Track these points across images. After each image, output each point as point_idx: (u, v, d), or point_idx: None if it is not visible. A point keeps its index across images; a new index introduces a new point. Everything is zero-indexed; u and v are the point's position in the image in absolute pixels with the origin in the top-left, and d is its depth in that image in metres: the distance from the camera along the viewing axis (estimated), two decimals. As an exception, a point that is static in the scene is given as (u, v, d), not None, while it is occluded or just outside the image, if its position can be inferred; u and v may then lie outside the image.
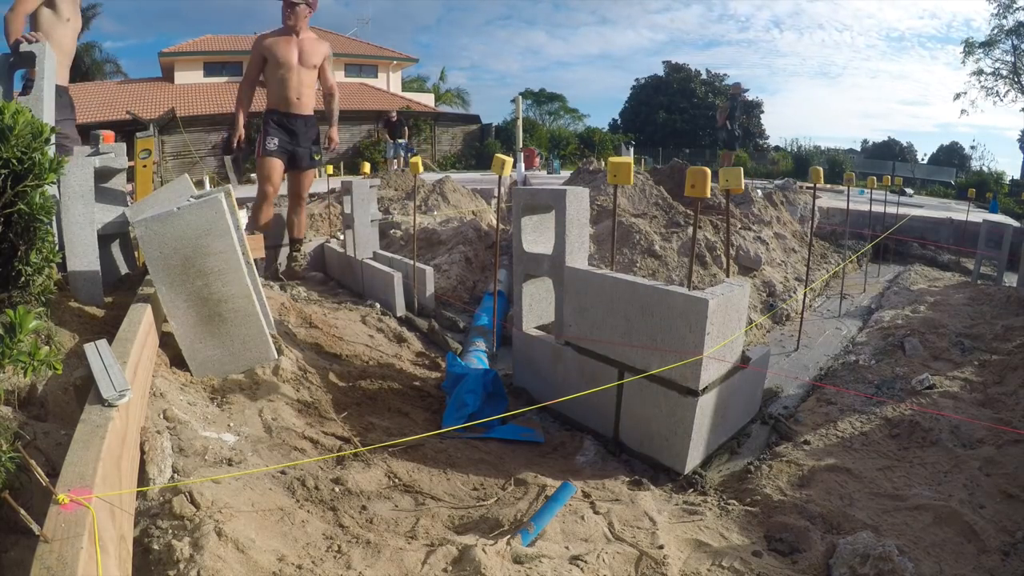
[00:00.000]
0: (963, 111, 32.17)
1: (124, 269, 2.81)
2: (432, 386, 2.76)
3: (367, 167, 6.45)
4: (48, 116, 2.37)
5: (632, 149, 19.56)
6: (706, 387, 2.04)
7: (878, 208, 7.39)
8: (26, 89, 2.65)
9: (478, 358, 3.04)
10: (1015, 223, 7.66)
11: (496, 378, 2.58)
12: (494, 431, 2.35)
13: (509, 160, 3.12)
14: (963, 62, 25.48)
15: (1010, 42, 23.87)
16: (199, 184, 12.07)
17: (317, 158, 4.47)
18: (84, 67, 24.50)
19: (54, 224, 2.08)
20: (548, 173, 18.11)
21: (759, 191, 7.61)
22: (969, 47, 25.06)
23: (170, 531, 1.19)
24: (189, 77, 21.33)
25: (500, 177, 3.20)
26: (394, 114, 16.62)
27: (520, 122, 14.47)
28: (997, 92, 24.91)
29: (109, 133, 3.50)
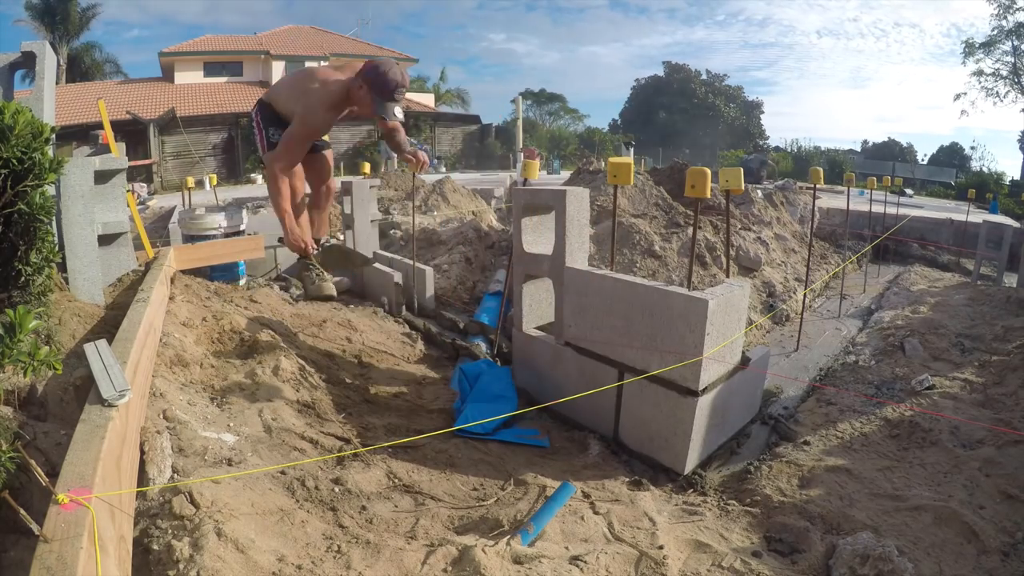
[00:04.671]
0: (963, 112, 32.20)
1: (124, 269, 2.81)
2: (432, 386, 2.76)
3: (367, 167, 6.45)
4: (48, 116, 2.37)
5: (632, 149, 19.59)
6: (706, 387, 2.04)
7: (878, 209, 7.40)
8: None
9: (485, 360, 3.05)
10: (1015, 224, 7.66)
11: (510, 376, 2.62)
12: (499, 433, 2.35)
13: (536, 163, 3.22)
14: (963, 63, 25.52)
15: (1010, 43, 23.89)
16: (199, 184, 12.04)
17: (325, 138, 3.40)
18: (84, 67, 24.50)
19: (54, 224, 2.08)
20: (548, 173, 18.13)
21: (759, 192, 7.61)
22: (969, 48, 25.07)
23: (170, 531, 1.19)
24: (189, 77, 21.32)
25: (526, 180, 3.28)
26: None
27: (520, 122, 14.50)
28: (997, 93, 24.94)
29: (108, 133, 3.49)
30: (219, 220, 3.92)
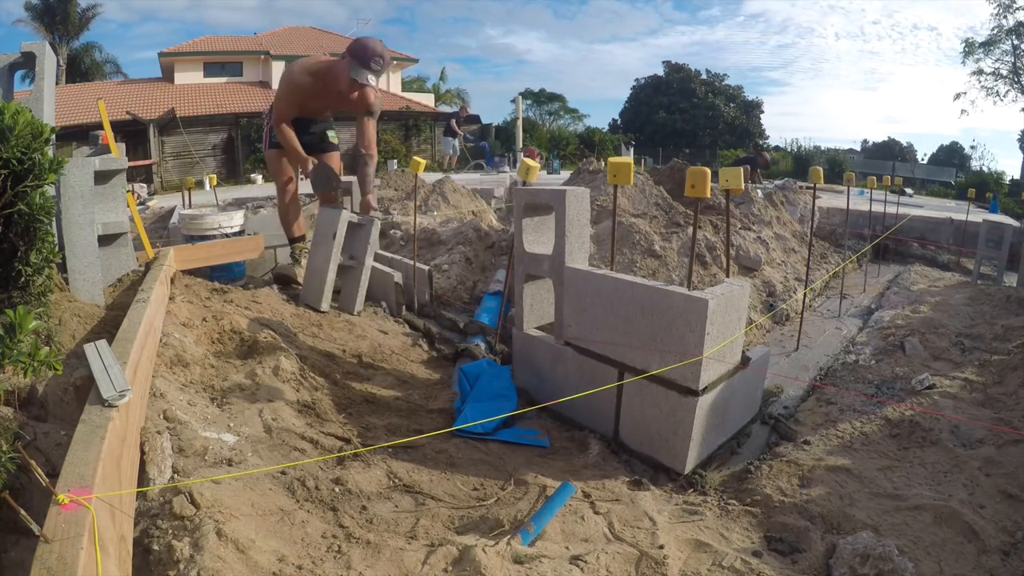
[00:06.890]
0: (963, 111, 32.22)
1: (124, 269, 2.81)
2: (432, 386, 2.76)
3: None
4: (48, 116, 2.37)
5: (632, 149, 19.60)
6: (706, 387, 2.04)
7: (878, 208, 7.40)
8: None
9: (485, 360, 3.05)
10: (1015, 223, 7.66)
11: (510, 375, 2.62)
12: (499, 433, 2.35)
13: (536, 165, 3.09)
14: (963, 62, 25.52)
15: (1010, 42, 23.88)
16: (199, 184, 12.05)
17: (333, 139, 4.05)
18: (84, 67, 24.51)
19: (54, 224, 2.08)
20: (548, 173, 18.14)
21: (759, 191, 7.61)
22: (969, 47, 25.07)
23: (170, 531, 1.19)
24: (189, 77, 21.29)
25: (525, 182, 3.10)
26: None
27: (520, 122, 14.47)
28: (997, 92, 24.93)
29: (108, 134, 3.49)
30: (219, 220, 3.91)
